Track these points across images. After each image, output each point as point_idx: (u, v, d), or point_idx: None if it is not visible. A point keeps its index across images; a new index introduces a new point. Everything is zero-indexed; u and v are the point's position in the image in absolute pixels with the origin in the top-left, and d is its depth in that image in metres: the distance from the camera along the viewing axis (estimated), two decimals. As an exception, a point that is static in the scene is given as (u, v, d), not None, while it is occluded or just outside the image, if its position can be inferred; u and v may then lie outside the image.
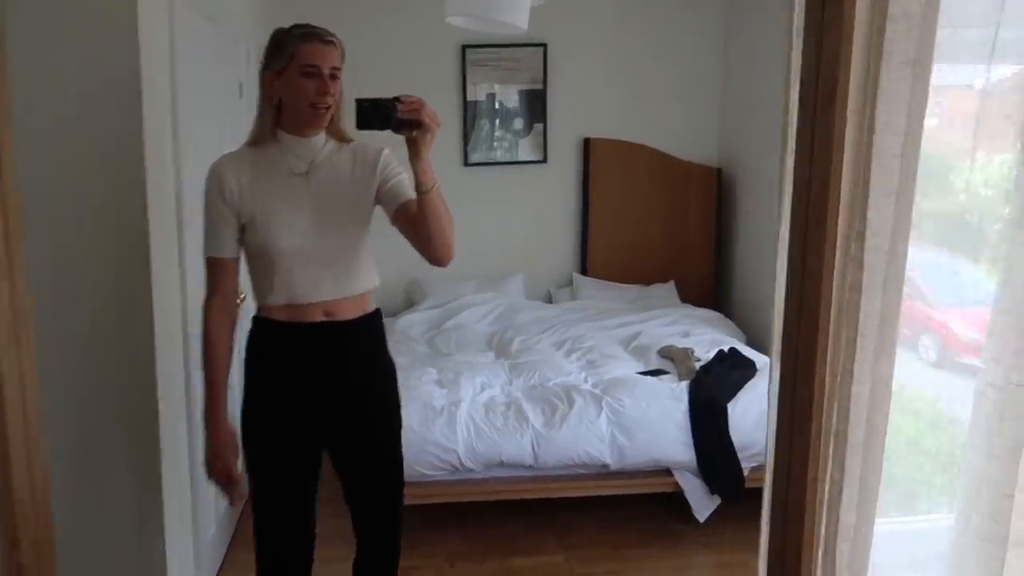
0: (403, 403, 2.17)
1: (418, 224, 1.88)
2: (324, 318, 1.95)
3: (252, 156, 1.96)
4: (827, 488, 1.14)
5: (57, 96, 2.05)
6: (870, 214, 1.09)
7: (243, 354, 2.06)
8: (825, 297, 1.06)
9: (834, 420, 1.09)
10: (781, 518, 1.05)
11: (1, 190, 1.11)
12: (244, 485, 2.02)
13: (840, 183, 1.04)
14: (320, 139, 1.98)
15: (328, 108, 1.90)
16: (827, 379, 1.00)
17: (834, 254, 1.06)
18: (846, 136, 1.07)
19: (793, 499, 1.01)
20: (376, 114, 1.76)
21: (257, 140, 1.96)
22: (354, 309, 2.00)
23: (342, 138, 2.02)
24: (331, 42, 1.90)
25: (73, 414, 2.15)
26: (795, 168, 0.98)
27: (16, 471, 1.10)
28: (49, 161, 2.05)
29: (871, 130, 1.09)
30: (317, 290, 1.94)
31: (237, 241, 1.96)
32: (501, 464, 3.18)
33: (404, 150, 1.84)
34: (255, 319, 2.02)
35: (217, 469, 1.98)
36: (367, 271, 2.03)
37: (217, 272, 1.98)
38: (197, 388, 2.83)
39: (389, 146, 2.03)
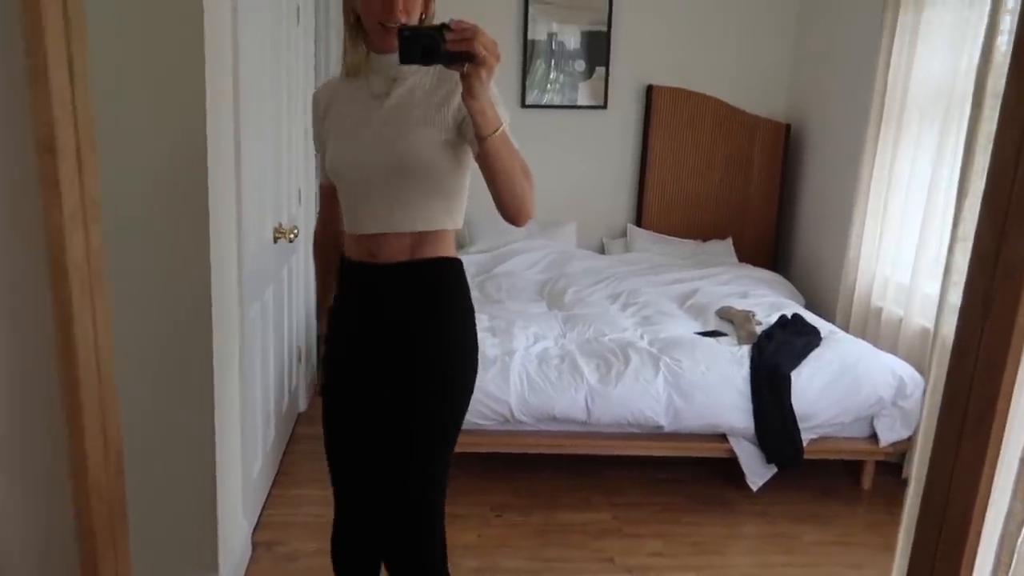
0: None
1: (484, 176, 1.60)
2: (367, 258, 1.74)
3: (343, 81, 1.80)
4: (1003, 521, 1.01)
5: (115, 20, 1.95)
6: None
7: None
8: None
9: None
10: (932, 542, 0.92)
11: (77, 135, 1.02)
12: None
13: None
14: None
15: None
16: (1014, 390, 0.87)
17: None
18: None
19: (952, 520, 0.88)
20: (417, 45, 1.43)
21: (345, 66, 1.78)
22: (404, 250, 1.72)
23: None
24: None
25: (132, 350, 2.09)
26: (997, 138, 0.83)
27: (88, 422, 1.03)
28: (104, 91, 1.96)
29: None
30: (370, 223, 1.72)
31: None
32: (553, 419, 3.11)
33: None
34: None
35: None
36: (436, 206, 1.72)
37: (321, 196, 1.98)
38: (249, 322, 2.77)
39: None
